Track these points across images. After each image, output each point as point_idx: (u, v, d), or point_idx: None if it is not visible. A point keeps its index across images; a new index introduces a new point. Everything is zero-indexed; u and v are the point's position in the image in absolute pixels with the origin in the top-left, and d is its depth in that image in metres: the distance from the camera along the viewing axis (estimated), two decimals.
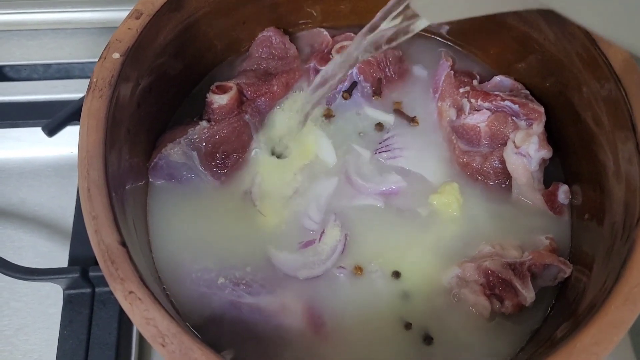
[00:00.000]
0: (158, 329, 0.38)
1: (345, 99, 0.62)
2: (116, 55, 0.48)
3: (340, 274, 0.53)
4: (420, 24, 0.43)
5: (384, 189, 0.57)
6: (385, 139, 0.61)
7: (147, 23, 0.50)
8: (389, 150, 0.60)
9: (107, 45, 0.48)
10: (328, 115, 0.62)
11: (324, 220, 0.56)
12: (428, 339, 0.51)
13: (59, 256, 0.66)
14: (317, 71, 0.63)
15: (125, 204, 0.47)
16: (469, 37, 0.65)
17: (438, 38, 0.67)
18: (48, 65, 0.81)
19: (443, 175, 0.59)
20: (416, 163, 0.59)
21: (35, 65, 0.81)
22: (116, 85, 0.46)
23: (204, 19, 0.58)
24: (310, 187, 0.57)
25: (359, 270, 0.53)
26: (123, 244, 0.41)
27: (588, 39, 0.50)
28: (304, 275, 0.52)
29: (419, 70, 0.65)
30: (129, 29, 0.49)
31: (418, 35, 0.67)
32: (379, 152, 0.60)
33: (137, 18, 0.50)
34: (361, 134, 0.61)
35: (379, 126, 0.62)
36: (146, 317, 0.38)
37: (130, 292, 0.39)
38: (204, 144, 0.56)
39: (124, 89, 0.48)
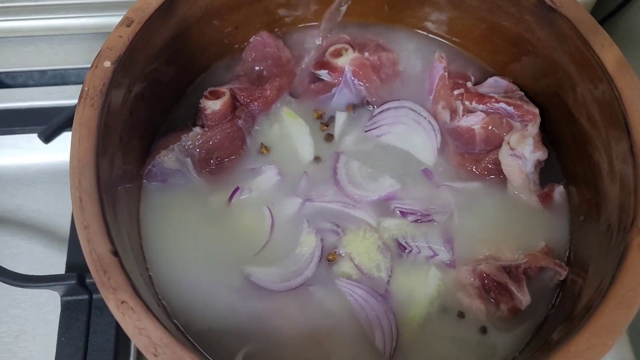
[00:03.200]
0: (150, 339, 0.38)
1: (350, 111, 0.62)
2: (107, 64, 0.47)
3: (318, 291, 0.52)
4: None
5: (377, 197, 0.57)
6: (375, 115, 0.61)
7: (138, 30, 0.49)
8: (377, 127, 0.60)
9: (98, 53, 0.48)
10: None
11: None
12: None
13: (56, 263, 0.66)
14: (310, 74, 0.63)
15: (118, 211, 0.47)
16: (464, 37, 0.65)
17: (434, 37, 0.67)
18: (44, 72, 0.81)
19: (433, 154, 0.59)
20: (405, 140, 0.60)
21: (31, 71, 0.81)
22: (107, 93, 0.46)
23: (196, 24, 0.58)
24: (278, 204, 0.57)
25: (333, 256, 0.53)
26: (115, 253, 0.40)
27: (580, 39, 0.50)
28: (281, 288, 0.52)
29: (413, 72, 0.64)
30: (119, 36, 0.49)
31: (413, 34, 0.67)
32: (368, 130, 0.60)
33: (128, 26, 0.49)
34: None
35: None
36: (138, 327, 0.38)
37: (123, 302, 0.39)
38: (198, 150, 0.55)
39: (115, 97, 0.48)
